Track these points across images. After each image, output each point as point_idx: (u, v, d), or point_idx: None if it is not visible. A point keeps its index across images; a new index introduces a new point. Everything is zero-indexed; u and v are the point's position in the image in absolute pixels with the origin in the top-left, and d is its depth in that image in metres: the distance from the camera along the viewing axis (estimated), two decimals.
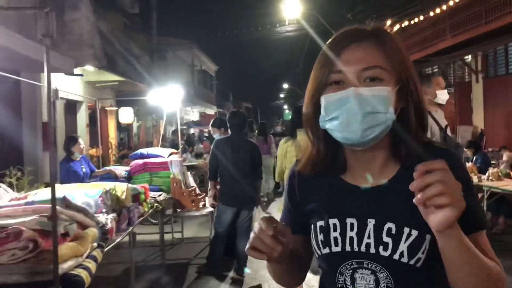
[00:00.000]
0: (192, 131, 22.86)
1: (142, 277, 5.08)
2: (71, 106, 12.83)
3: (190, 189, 5.42)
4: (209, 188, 5.25)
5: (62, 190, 3.09)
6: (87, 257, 2.43)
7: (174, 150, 6.30)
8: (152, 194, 4.94)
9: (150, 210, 4.27)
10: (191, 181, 5.83)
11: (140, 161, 5.59)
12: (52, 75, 8.50)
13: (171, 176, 5.30)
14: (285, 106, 65.63)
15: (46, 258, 2.11)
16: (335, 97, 0.98)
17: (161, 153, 5.94)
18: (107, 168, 5.72)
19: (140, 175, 5.52)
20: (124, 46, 14.96)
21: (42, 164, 7.96)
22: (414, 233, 0.96)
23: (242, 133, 4.99)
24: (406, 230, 0.97)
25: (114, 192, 3.21)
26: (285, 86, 53.01)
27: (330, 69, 1.01)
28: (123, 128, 19.52)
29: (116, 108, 16.60)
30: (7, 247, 2.10)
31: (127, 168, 5.67)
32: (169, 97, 6.53)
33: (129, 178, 5.57)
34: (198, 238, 6.63)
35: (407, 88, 1.01)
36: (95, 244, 2.60)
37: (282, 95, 63.00)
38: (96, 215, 2.94)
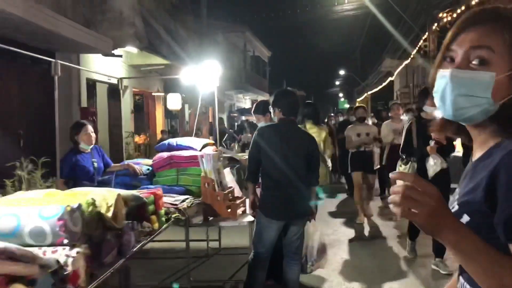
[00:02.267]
0: (243, 118, 21.81)
1: None
2: (115, 91, 11.98)
3: (226, 192, 4.23)
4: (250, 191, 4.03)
5: (6, 206, 1.97)
6: None
7: (210, 141, 5.11)
8: (175, 198, 3.80)
9: (165, 225, 3.11)
10: (230, 180, 4.64)
11: (165, 154, 4.46)
12: (92, 56, 7.56)
13: (202, 174, 4.14)
14: (341, 94, 63.30)
15: None
16: (439, 74, 1.04)
17: (193, 145, 4.78)
18: (125, 162, 4.63)
19: (164, 172, 4.40)
20: (170, 28, 14.02)
21: None
22: (466, 218, 0.98)
23: (295, 121, 3.76)
24: (463, 215, 0.99)
25: (91, 207, 2.06)
26: (342, 72, 50.78)
27: (448, 46, 1.06)
28: (174, 115, 18.82)
29: (163, 94, 15.84)
30: None
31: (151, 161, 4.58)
32: (205, 75, 5.35)
33: (151, 175, 4.47)
34: (241, 248, 5.47)
35: None
36: None
37: (337, 82, 60.63)
38: (52, 249, 1.81)
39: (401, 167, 4.95)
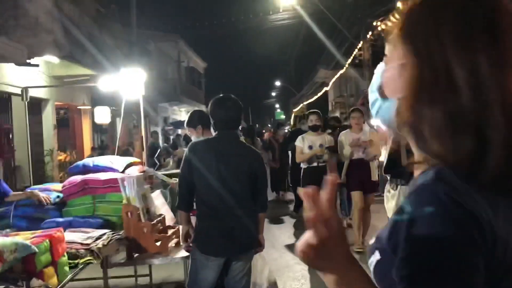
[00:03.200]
0: (179, 132, 20.94)
1: None
2: (34, 105, 10.75)
3: (155, 221, 3.53)
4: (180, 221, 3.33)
5: None
6: None
7: (135, 159, 4.37)
8: (88, 235, 3.04)
9: (69, 277, 2.36)
10: (160, 205, 3.94)
11: (78, 178, 3.68)
12: (7, 66, 6.50)
13: (124, 201, 3.41)
14: (277, 105, 63.76)
15: None
16: None
17: (114, 165, 4.02)
18: (29, 190, 3.79)
19: (77, 200, 3.61)
20: (95, 36, 13.00)
21: None
22: (376, 255, 0.81)
23: (235, 133, 3.10)
24: (375, 251, 0.82)
25: None
26: (278, 83, 51.10)
27: None
28: (104, 130, 17.65)
29: (90, 107, 14.69)
30: None
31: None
32: (128, 83, 4.61)
33: (62, 204, 3.67)
34: (175, 283, 4.74)
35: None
36: None
37: (274, 94, 61.03)
38: None
39: (389, 193, 4.07)
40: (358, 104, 16.15)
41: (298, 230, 7.22)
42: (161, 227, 3.58)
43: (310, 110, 7.27)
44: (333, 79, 23.55)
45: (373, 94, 0.88)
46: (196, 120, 3.56)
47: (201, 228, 2.90)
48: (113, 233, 3.21)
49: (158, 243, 3.41)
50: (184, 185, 3.00)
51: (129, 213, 3.39)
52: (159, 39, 21.37)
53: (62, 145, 13.50)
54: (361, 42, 15.55)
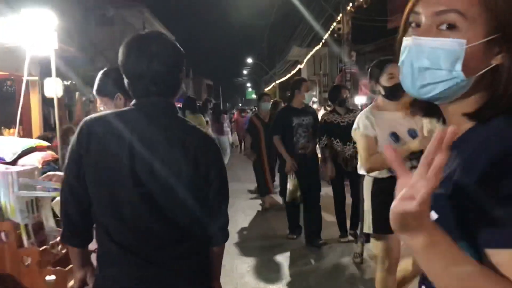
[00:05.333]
0: None
1: None
2: None
3: (48, 246, 2.22)
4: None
5: None
6: None
7: (40, 142, 2.99)
8: None
9: None
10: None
11: None
12: None
13: None
14: (249, 84, 62.11)
15: None
16: (403, 44, 0.85)
17: (2, 150, 2.67)
18: None
19: None
20: None
21: None
22: (433, 215, 0.77)
23: (168, 104, 1.64)
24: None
25: None
26: (249, 61, 49.48)
27: (413, 8, 0.85)
28: (65, 105, 16.04)
29: (37, 78, 13.04)
30: None
31: None
32: (30, 30, 3.19)
33: None
34: None
35: (508, 40, 0.78)
36: None
37: (245, 72, 59.25)
38: None
39: None
40: (337, 82, 15.01)
41: (278, 230, 5.76)
42: (61, 252, 2.28)
43: (383, 58, 3.04)
44: (308, 56, 22.32)
45: (442, 73, 0.79)
46: (111, 84, 2.13)
47: (101, 279, 1.60)
48: None
49: (50, 278, 2.12)
50: (70, 200, 1.59)
51: (2, 235, 2.08)
52: (122, 6, 19.57)
53: (7, 121, 11.96)
54: (340, 14, 14.30)
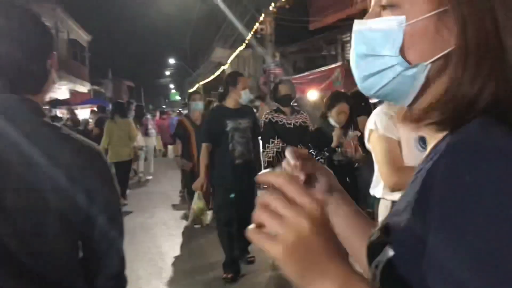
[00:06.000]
0: (57, 112, 18.02)
1: None
2: None
3: None
4: None
5: None
6: None
7: None
8: None
9: None
10: None
11: None
12: None
13: None
14: (172, 85, 60.88)
15: None
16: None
17: None
18: None
19: None
20: None
21: None
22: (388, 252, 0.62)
23: (29, 102, 1.15)
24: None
25: None
26: (172, 61, 48.47)
27: None
28: None
29: None
30: None
31: None
32: None
33: None
34: None
35: (463, 15, 0.59)
36: None
37: (168, 72, 57.99)
38: None
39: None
40: (260, 83, 14.94)
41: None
42: None
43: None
44: (231, 57, 22.15)
45: (380, 60, 0.63)
46: None
47: None
48: None
49: None
50: None
51: None
52: (29, 2, 18.13)
53: None
54: (263, 15, 14.24)
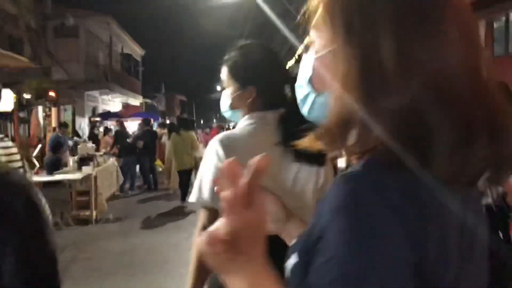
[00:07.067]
0: (108, 124, 18.17)
1: None
2: None
3: None
4: None
5: None
6: None
7: None
8: None
9: None
10: None
11: None
12: None
13: None
14: None
15: None
16: None
17: None
18: None
19: None
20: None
21: None
22: (293, 259, 0.70)
23: None
24: (292, 254, 0.72)
25: None
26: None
27: None
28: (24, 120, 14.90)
29: None
30: None
31: None
32: None
33: None
34: None
35: (348, 53, 0.67)
36: None
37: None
38: None
39: None
40: None
41: None
42: None
43: None
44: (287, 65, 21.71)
45: (302, 89, 0.76)
46: None
47: None
48: None
49: None
50: None
51: None
52: (85, 16, 18.62)
53: None
54: None
